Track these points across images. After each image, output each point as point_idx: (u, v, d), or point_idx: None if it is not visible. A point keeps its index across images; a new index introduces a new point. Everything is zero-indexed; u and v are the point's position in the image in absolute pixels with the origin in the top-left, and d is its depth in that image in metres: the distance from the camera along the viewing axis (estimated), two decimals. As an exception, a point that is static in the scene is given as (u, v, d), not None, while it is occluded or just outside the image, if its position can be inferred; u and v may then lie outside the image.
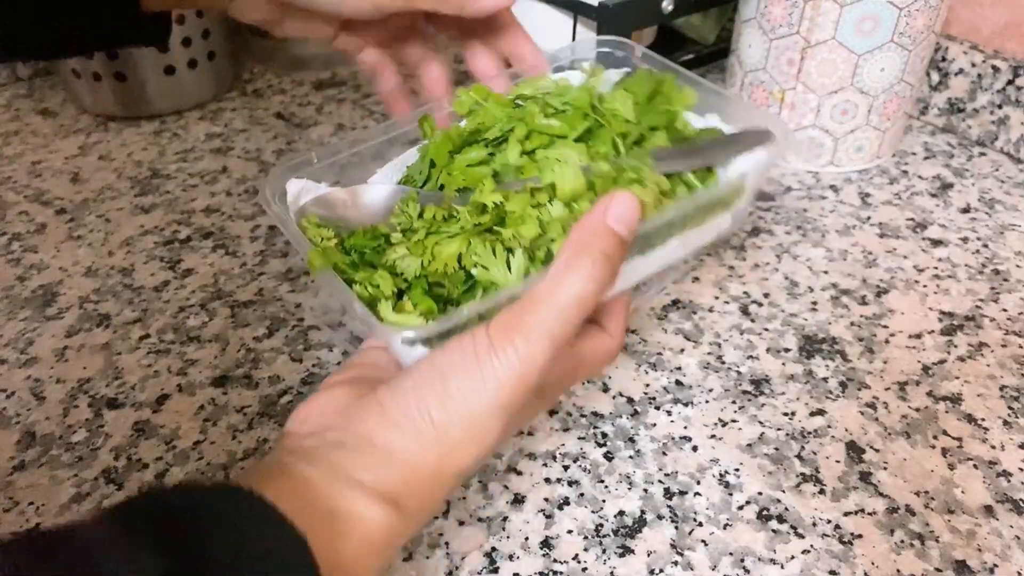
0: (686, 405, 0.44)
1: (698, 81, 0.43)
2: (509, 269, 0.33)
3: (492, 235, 0.34)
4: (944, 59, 0.68)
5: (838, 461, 0.41)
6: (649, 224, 0.33)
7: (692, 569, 0.36)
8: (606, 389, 0.45)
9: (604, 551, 0.37)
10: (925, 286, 0.53)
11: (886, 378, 0.46)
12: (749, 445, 0.42)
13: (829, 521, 0.38)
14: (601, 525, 0.38)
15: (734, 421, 0.43)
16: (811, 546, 0.37)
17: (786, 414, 0.43)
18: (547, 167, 0.36)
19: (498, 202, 0.34)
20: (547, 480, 0.40)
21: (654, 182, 0.36)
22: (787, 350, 0.48)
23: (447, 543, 0.37)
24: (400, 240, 0.35)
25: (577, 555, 0.36)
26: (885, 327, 0.49)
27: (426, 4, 0.40)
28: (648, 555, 0.36)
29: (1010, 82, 0.64)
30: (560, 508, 0.39)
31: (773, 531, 0.37)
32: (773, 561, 0.36)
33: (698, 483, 0.40)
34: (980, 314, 0.50)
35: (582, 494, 0.39)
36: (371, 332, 0.35)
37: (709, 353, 0.47)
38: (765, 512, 0.38)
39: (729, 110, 0.42)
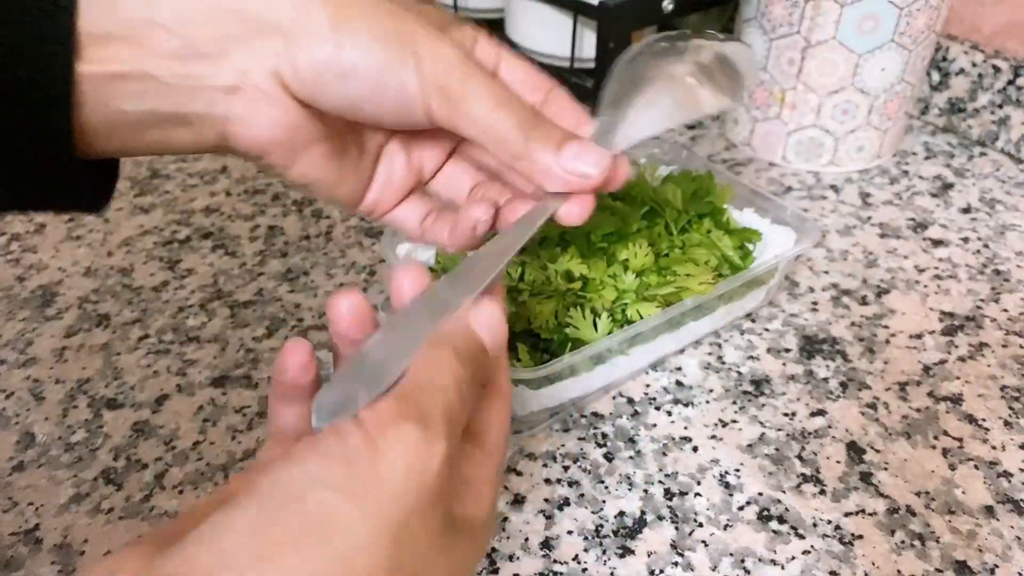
0: (686, 405, 0.44)
1: (735, 180, 0.52)
2: (595, 328, 0.41)
3: (579, 298, 0.42)
4: (945, 59, 0.68)
5: (839, 461, 0.41)
6: (705, 297, 0.43)
7: (692, 570, 0.36)
8: (606, 390, 0.45)
9: (604, 552, 0.36)
10: (926, 286, 0.53)
11: (887, 378, 0.46)
12: (749, 445, 0.42)
13: (829, 522, 0.38)
14: (601, 526, 0.38)
15: (734, 421, 0.43)
16: (811, 546, 0.37)
17: (786, 414, 0.43)
18: (621, 246, 0.44)
19: (583, 274, 0.43)
20: (547, 480, 0.40)
21: (705, 262, 0.45)
22: (787, 350, 0.47)
23: (447, 544, 0.37)
24: (507, 301, 0.42)
25: (577, 556, 0.36)
26: (886, 327, 0.49)
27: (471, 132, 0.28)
28: (648, 556, 0.36)
29: (1011, 82, 0.64)
30: (560, 508, 0.38)
31: (773, 532, 0.37)
32: (773, 562, 0.36)
33: (698, 484, 0.40)
34: (981, 314, 0.50)
35: (582, 495, 0.39)
36: None
37: (709, 353, 0.47)
38: (765, 513, 0.38)
39: (764, 205, 0.51)
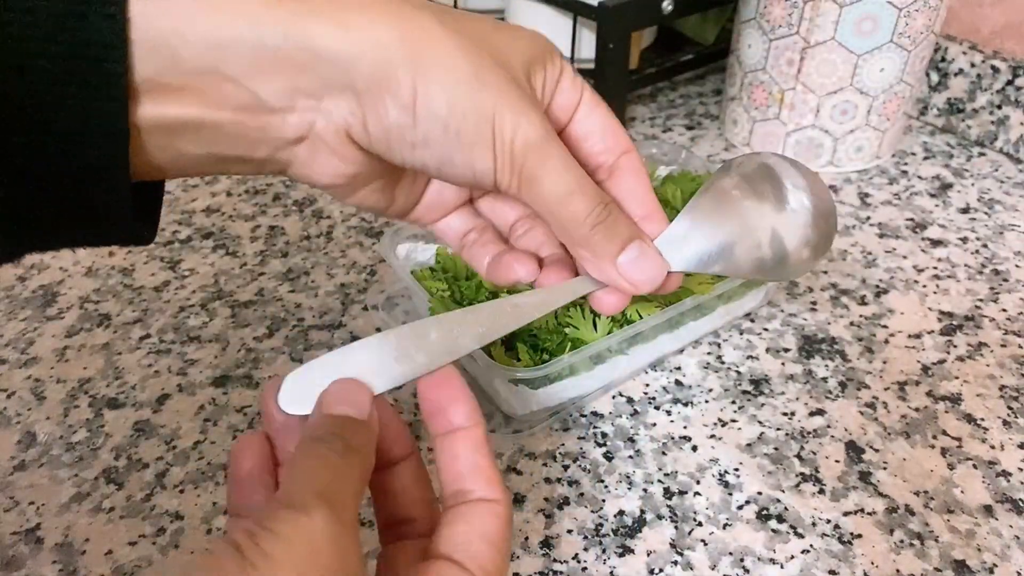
0: (686, 405, 0.44)
1: None
2: (595, 328, 0.41)
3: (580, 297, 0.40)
4: (944, 59, 0.68)
5: (838, 461, 0.41)
6: (704, 297, 0.43)
7: (692, 569, 0.36)
8: (606, 389, 0.45)
9: (604, 551, 0.37)
10: (924, 286, 0.53)
11: (885, 378, 0.46)
12: (749, 445, 0.42)
13: (829, 521, 0.38)
14: (601, 525, 0.38)
15: (734, 421, 0.43)
16: (811, 546, 0.37)
17: (786, 414, 0.43)
18: None
19: None
20: (547, 480, 0.40)
21: None
22: (787, 350, 0.48)
23: (447, 543, 0.37)
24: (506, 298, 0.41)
25: (577, 555, 0.36)
26: (884, 327, 0.49)
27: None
28: (648, 555, 0.36)
29: (1009, 82, 0.64)
30: (560, 508, 0.39)
31: (773, 531, 0.37)
32: (773, 561, 0.36)
33: (698, 483, 0.40)
34: (979, 314, 0.50)
35: (582, 494, 0.39)
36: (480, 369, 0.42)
37: (708, 353, 0.47)
38: (765, 512, 0.38)
39: None
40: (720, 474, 0.40)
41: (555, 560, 0.36)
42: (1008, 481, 0.40)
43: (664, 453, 0.41)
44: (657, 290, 0.29)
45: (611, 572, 0.36)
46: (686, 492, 0.39)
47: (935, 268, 0.54)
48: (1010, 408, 0.44)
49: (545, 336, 0.41)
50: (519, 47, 0.27)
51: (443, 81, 0.24)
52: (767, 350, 0.48)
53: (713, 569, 0.36)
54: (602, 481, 0.40)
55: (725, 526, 0.38)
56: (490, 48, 0.26)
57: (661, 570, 0.36)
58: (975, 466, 0.40)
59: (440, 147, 0.25)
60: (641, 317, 0.41)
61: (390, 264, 0.46)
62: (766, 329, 0.49)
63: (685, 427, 0.43)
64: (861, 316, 0.50)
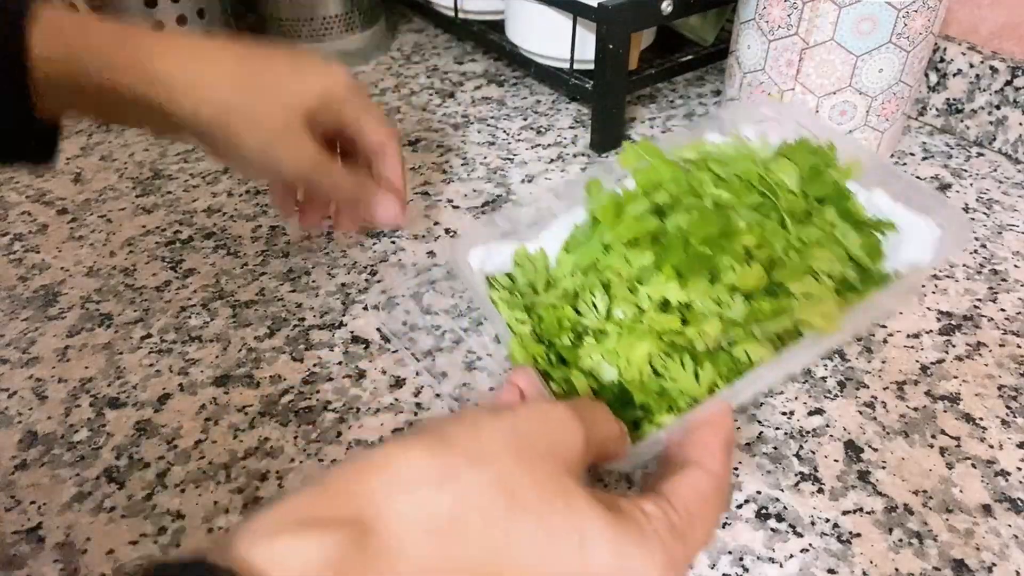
0: (685, 404, 0.44)
1: (862, 149, 0.41)
2: (697, 379, 0.35)
3: (677, 335, 0.36)
4: (942, 60, 0.68)
5: (836, 460, 0.41)
6: (830, 338, 0.36)
7: (691, 567, 0.36)
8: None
9: (604, 549, 0.37)
10: (923, 286, 0.53)
11: (884, 377, 0.46)
12: (748, 444, 0.42)
13: (828, 520, 0.38)
14: (601, 524, 0.38)
15: (733, 420, 0.43)
16: (810, 545, 0.37)
17: (784, 413, 0.44)
18: (726, 255, 0.37)
19: (682, 301, 0.36)
20: (547, 479, 0.40)
21: (827, 274, 0.37)
22: (786, 350, 0.48)
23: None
24: (593, 346, 0.37)
25: (577, 553, 0.36)
26: (883, 327, 0.49)
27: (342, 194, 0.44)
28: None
29: (1008, 83, 0.64)
30: (560, 507, 0.39)
31: (772, 530, 0.38)
32: (772, 560, 0.36)
33: (697, 482, 0.40)
34: (978, 314, 0.50)
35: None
36: None
37: (708, 353, 0.47)
38: (764, 511, 0.38)
39: (896, 184, 0.41)
40: (719, 473, 0.40)
41: (555, 559, 0.36)
42: (1007, 480, 0.40)
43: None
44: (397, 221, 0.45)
45: (611, 571, 0.36)
46: (685, 491, 0.39)
47: (934, 268, 0.54)
48: (1009, 408, 0.44)
49: (638, 390, 0.35)
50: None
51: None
52: (766, 350, 0.48)
53: (712, 568, 0.36)
54: (601, 480, 0.40)
55: (724, 525, 0.38)
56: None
57: (661, 569, 0.36)
58: (974, 465, 0.41)
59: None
60: (750, 360, 0.35)
61: (461, 277, 0.41)
62: (765, 329, 0.49)
63: (685, 426, 0.43)
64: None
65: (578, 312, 0.39)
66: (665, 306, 0.37)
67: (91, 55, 0.35)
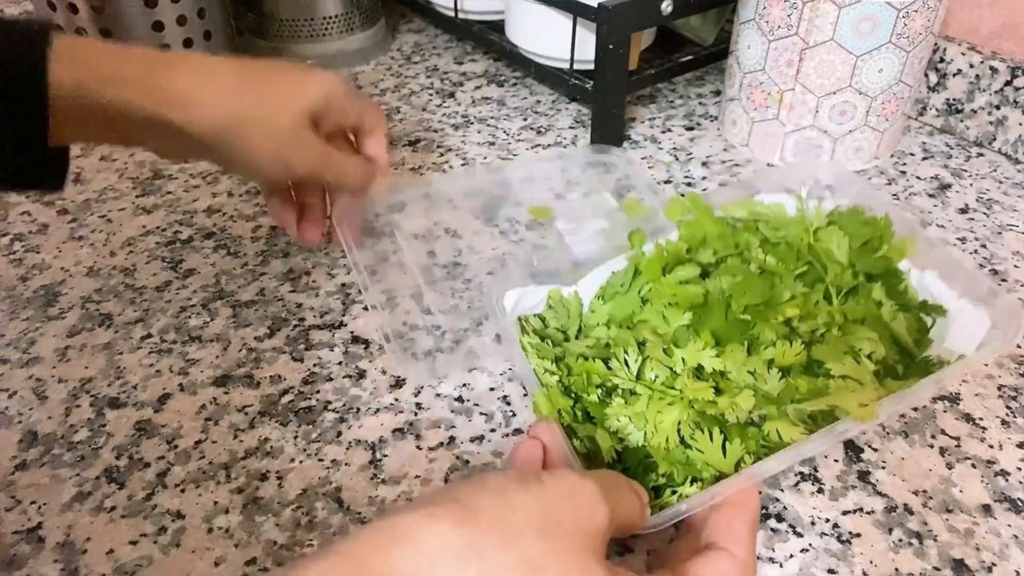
0: (685, 404, 0.44)
1: (917, 228, 0.39)
2: (724, 453, 0.34)
3: (708, 404, 0.35)
4: (942, 60, 0.68)
5: (836, 460, 0.41)
6: (865, 425, 0.34)
7: None
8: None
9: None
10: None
11: (884, 378, 0.46)
12: (748, 444, 0.42)
13: (828, 520, 0.38)
14: (601, 524, 0.38)
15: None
16: (810, 545, 0.37)
17: (785, 413, 0.44)
18: (768, 325, 0.36)
19: (718, 368, 0.35)
20: (547, 479, 0.40)
21: (868, 355, 0.36)
22: (786, 350, 0.48)
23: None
24: (621, 407, 0.36)
25: (577, 553, 0.36)
26: (883, 327, 0.49)
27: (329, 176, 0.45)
28: (648, 554, 0.36)
29: (1008, 83, 0.65)
30: (560, 507, 0.39)
31: (772, 530, 0.38)
32: (772, 560, 0.36)
33: (697, 482, 0.40)
34: (978, 314, 0.50)
35: None
36: None
37: (708, 353, 0.47)
38: (764, 511, 0.38)
39: (950, 268, 0.39)
40: (719, 473, 0.40)
41: (555, 559, 0.36)
42: (1006, 480, 0.40)
43: (664, 452, 0.41)
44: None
45: (611, 571, 0.36)
46: (686, 491, 0.39)
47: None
48: (1008, 408, 0.44)
49: (662, 459, 0.34)
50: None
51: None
52: (766, 350, 0.48)
53: (712, 568, 0.36)
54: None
55: (724, 525, 0.38)
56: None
57: (661, 569, 0.36)
58: (973, 465, 0.41)
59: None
60: (781, 439, 0.34)
61: (496, 318, 0.40)
62: (765, 329, 0.49)
63: (685, 426, 0.43)
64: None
65: (608, 367, 0.38)
66: (699, 371, 0.36)
67: (102, 80, 0.36)
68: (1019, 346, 0.48)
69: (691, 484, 0.34)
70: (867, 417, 0.33)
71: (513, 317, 0.42)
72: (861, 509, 0.38)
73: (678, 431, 0.34)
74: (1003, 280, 0.53)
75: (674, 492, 0.34)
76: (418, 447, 0.42)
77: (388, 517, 0.24)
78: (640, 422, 0.35)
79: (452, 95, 0.77)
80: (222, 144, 0.39)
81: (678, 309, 0.38)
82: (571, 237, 0.55)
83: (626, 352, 0.37)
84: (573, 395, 0.38)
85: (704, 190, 0.63)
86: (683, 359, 0.36)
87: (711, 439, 0.34)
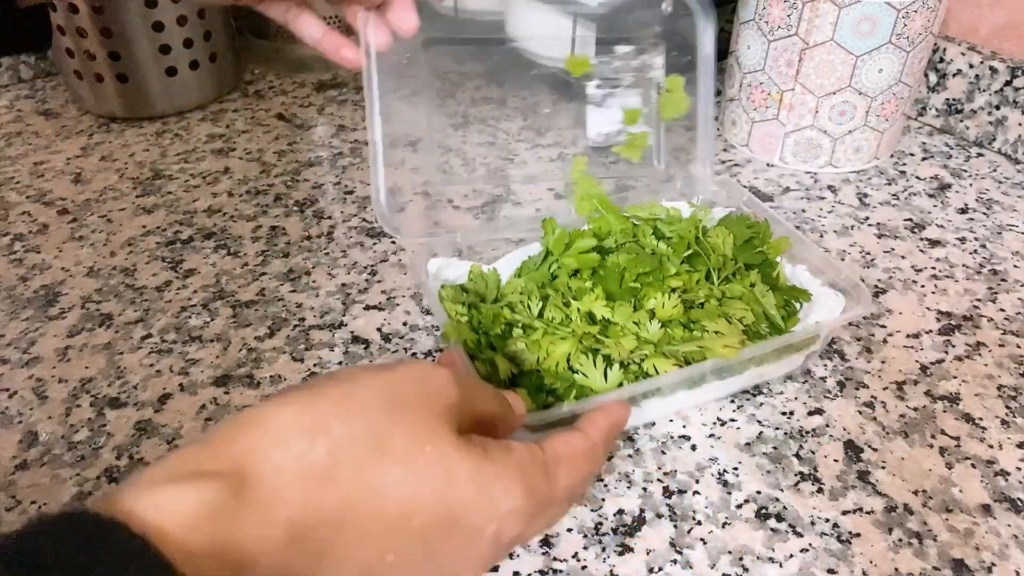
0: (685, 404, 0.44)
1: (792, 231, 0.48)
2: (605, 379, 0.39)
3: (596, 342, 0.41)
4: (942, 60, 0.68)
5: (836, 460, 0.41)
6: (726, 361, 0.40)
7: (691, 567, 0.36)
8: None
9: (604, 549, 0.37)
10: (923, 286, 0.53)
11: (884, 377, 0.46)
12: (748, 444, 0.42)
13: (827, 520, 0.38)
14: (600, 524, 0.38)
15: (733, 420, 0.43)
16: (809, 545, 0.37)
17: (784, 413, 0.44)
18: (653, 290, 0.43)
19: (606, 317, 0.42)
20: (547, 479, 0.40)
21: (739, 319, 0.42)
22: (786, 350, 0.48)
23: (447, 541, 0.37)
24: (520, 336, 0.42)
25: (577, 553, 0.37)
26: (883, 327, 0.49)
27: None
28: (647, 553, 0.37)
29: (1008, 83, 0.65)
30: (560, 507, 0.39)
31: (772, 530, 0.38)
32: (772, 560, 0.36)
33: (697, 482, 0.40)
34: (978, 314, 0.50)
35: (581, 493, 0.39)
36: None
37: (708, 353, 0.48)
38: (764, 511, 0.38)
39: (817, 263, 0.47)
40: (719, 473, 0.40)
41: (555, 559, 0.36)
42: (1006, 480, 0.40)
43: (663, 452, 0.41)
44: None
45: (611, 571, 0.36)
46: (685, 491, 0.39)
47: (933, 268, 0.55)
48: (1008, 408, 0.44)
49: (552, 378, 0.40)
50: None
51: None
52: (766, 350, 0.48)
53: (712, 568, 0.36)
54: (601, 480, 0.40)
55: (724, 525, 0.38)
56: None
57: (660, 568, 0.36)
58: (973, 465, 0.41)
59: None
60: (657, 373, 0.39)
61: (416, 277, 0.45)
62: (765, 329, 0.49)
63: (684, 426, 0.43)
64: (859, 316, 0.50)
65: (513, 312, 0.43)
66: (591, 318, 0.42)
67: None
68: (1019, 346, 0.48)
69: (575, 401, 0.39)
70: (730, 355, 0.39)
71: (436, 282, 0.47)
72: (861, 509, 0.38)
73: (567, 360, 0.40)
74: (1003, 280, 0.53)
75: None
76: None
77: (243, 410, 0.25)
78: (535, 348, 0.41)
79: (452, 95, 0.77)
80: None
81: (581, 279, 0.45)
82: (594, 111, 0.58)
83: (530, 299, 0.44)
84: (480, 333, 0.42)
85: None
86: (578, 308, 0.42)
87: (595, 365, 0.39)
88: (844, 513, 0.38)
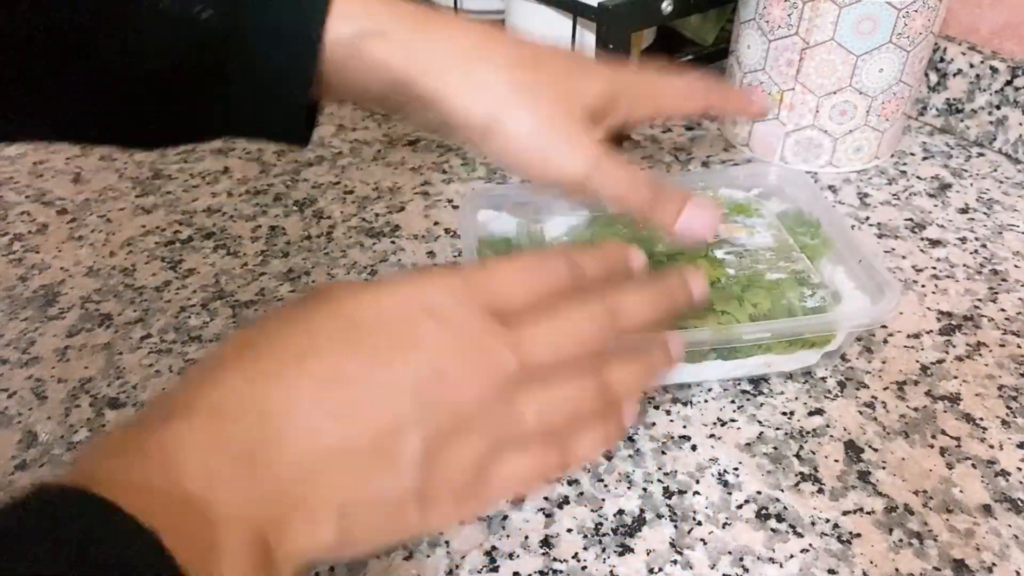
0: (685, 404, 0.44)
1: (846, 234, 0.48)
2: None
3: None
4: (943, 60, 0.68)
5: (837, 460, 0.41)
6: (737, 339, 0.41)
7: (691, 568, 0.36)
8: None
9: (604, 550, 0.37)
10: (923, 286, 0.53)
11: (884, 378, 0.46)
12: (748, 444, 0.42)
13: (828, 520, 0.38)
14: (600, 524, 0.38)
15: (733, 420, 0.43)
16: (810, 545, 0.37)
17: (785, 413, 0.44)
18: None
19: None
20: (547, 479, 0.40)
21: (754, 304, 0.43)
22: (786, 350, 0.48)
23: (447, 542, 0.37)
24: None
25: (577, 554, 0.37)
26: (883, 327, 0.49)
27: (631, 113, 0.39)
28: (647, 554, 0.37)
29: (1008, 83, 0.64)
30: (560, 507, 0.39)
31: (772, 530, 0.38)
32: (772, 560, 0.36)
33: (697, 482, 0.40)
34: (978, 314, 0.50)
35: (581, 493, 0.39)
36: None
37: (708, 353, 0.48)
38: (764, 511, 0.38)
39: (857, 269, 0.46)
40: (719, 473, 0.40)
41: (555, 559, 0.36)
42: (1007, 480, 0.40)
43: (663, 452, 0.41)
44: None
45: (611, 571, 0.36)
46: (685, 491, 0.39)
47: (934, 268, 0.54)
48: (1009, 408, 0.44)
49: None
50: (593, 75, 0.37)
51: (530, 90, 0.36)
52: (766, 350, 0.48)
53: (712, 568, 0.36)
54: (601, 480, 0.40)
55: (724, 525, 0.38)
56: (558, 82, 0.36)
57: (661, 569, 0.36)
58: (974, 465, 0.41)
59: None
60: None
61: (460, 225, 0.48)
62: (765, 329, 0.49)
63: (684, 426, 0.43)
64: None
65: None
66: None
67: (370, 38, 0.33)
68: (1019, 346, 0.48)
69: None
70: (717, 330, 0.41)
71: (482, 231, 0.49)
72: (861, 509, 0.38)
73: None
74: (1004, 280, 0.53)
75: None
76: None
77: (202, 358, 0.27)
78: None
79: (452, 95, 0.77)
80: (483, 133, 0.35)
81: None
82: None
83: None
84: None
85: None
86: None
87: None
88: (844, 513, 0.38)
